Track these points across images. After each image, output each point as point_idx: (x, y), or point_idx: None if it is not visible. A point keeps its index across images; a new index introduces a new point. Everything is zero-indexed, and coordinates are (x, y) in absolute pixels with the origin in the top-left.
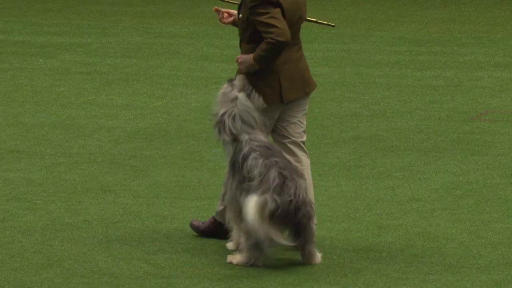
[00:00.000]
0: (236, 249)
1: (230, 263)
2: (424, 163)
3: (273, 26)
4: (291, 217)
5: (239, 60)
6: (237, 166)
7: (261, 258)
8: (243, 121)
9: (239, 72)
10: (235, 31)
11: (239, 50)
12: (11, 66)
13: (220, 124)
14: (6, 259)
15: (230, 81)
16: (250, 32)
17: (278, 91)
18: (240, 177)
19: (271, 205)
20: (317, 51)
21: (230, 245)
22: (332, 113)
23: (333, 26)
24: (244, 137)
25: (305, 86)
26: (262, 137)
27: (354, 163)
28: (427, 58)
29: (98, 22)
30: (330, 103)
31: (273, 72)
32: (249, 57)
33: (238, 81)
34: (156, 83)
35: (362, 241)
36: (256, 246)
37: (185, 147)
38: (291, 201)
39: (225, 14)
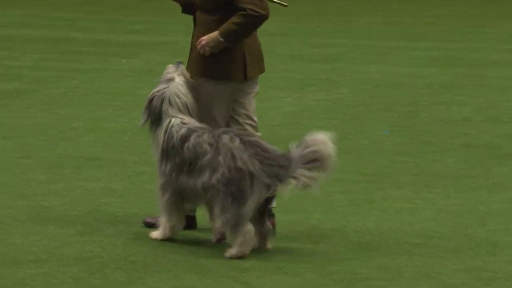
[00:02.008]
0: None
1: (231, 258)
2: None
3: None
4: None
5: (203, 42)
6: (171, 151)
7: (251, 242)
8: (171, 105)
9: (196, 57)
10: (333, 29)
11: (336, 48)
12: (90, 67)
13: (148, 104)
14: (85, 276)
15: (178, 62)
16: None
17: (242, 66)
18: (176, 162)
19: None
20: (424, 50)
21: (154, 233)
22: (441, 118)
23: (285, 5)
24: (175, 121)
25: (262, 63)
26: (195, 121)
27: (465, 173)
28: None
29: (184, 19)
30: (438, 107)
31: (239, 47)
32: (215, 35)
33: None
34: None
35: (474, 260)
36: (242, 229)
37: None
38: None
39: None
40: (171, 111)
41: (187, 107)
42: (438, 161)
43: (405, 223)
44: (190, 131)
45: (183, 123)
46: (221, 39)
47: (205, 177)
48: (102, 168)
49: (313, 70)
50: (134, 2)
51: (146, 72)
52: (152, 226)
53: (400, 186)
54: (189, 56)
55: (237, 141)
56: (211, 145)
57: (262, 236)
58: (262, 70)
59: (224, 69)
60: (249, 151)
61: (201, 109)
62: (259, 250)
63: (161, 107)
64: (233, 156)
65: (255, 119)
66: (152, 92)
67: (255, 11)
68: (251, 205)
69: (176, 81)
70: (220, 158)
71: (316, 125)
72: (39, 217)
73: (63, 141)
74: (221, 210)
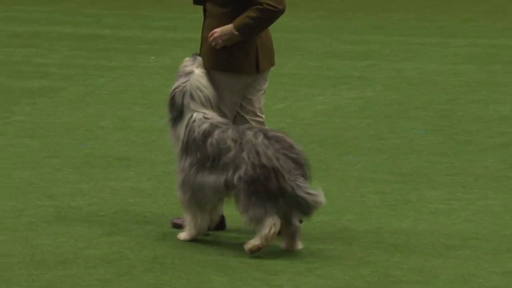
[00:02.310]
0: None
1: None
2: None
3: None
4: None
5: (215, 34)
6: (192, 146)
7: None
8: (193, 99)
9: (208, 49)
10: (367, 26)
11: (369, 45)
12: (119, 64)
13: (170, 100)
14: (113, 278)
15: (194, 55)
16: None
17: (255, 59)
18: (197, 157)
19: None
20: (461, 46)
21: (182, 235)
22: (478, 117)
23: None
24: (197, 115)
25: (272, 57)
26: (218, 116)
27: (503, 173)
28: None
29: None
30: (475, 105)
31: (252, 40)
32: (229, 28)
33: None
34: (277, 83)
35: None
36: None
37: (310, 155)
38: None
39: None
40: (193, 105)
41: (209, 100)
42: (475, 161)
43: (440, 224)
44: (213, 126)
45: (206, 118)
46: (236, 33)
47: (228, 174)
48: (130, 168)
49: (346, 68)
50: None
51: (175, 69)
52: (179, 227)
53: (436, 186)
54: (200, 48)
55: (261, 137)
56: (235, 141)
57: (290, 236)
58: (272, 64)
59: (237, 62)
60: (274, 146)
61: None
62: (290, 252)
63: (183, 101)
64: (257, 153)
65: (263, 116)
66: (173, 88)
67: (271, 6)
68: (281, 202)
69: (196, 73)
70: (244, 155)
71: (349, 124)
72: (67, 217)
73: (90, 140)
74: (244, 208)
